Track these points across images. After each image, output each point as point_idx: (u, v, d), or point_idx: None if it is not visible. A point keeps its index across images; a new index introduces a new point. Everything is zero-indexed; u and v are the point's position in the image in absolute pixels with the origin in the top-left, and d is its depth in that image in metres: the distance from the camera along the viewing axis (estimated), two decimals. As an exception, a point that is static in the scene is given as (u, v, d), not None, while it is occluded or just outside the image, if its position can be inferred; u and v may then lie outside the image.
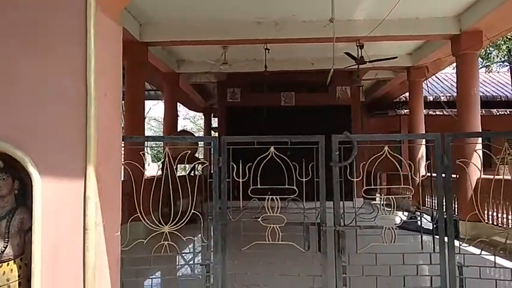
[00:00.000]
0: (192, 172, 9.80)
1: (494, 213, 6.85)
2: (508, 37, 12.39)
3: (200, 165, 9.41)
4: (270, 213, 3.47)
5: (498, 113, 14.64)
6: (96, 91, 2.39)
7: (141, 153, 3.50)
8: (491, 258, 3.86)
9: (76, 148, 2.34)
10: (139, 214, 3.30)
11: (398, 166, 3.46)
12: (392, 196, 3.59)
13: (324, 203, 3.43)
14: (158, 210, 3.57)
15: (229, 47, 9.32)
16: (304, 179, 3.43)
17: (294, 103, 13.04)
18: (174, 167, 3.63)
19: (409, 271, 3.48)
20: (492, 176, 3.54)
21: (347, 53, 8.66)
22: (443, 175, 3.39)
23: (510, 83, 14.42)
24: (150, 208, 3.39)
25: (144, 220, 3.41)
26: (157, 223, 3.42)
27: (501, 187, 3.44)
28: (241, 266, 3.60)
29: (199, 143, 8.91)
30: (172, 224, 3.40)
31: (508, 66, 14.31)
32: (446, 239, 3.39)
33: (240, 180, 3.44)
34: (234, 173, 3.43)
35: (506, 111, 14.59)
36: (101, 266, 2.43)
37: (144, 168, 3.88)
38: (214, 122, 19.96)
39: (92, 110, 2.39)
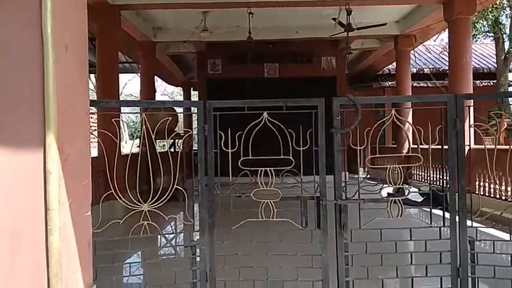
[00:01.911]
0: (173, 148, 9.32)
1: (486, 185, 6.73)
2: (495, 5, 12.12)
3: (181, 140, 8.91)
4: (263, 187, 3.08)
5: (482, 85, 14.57)
6: (54, 43, 1.95)
7: (114, 120, 3.02)
8: (496, 232, 3.63)
9: (32, 112, 1.92)
10: (113, 192, 2.87)
11: (405, 132, 3.09)
12: (397, 166, 3.24)
13: (323, 174, 3.06)
14: (136, 188, 3.14)
15: (210, 12, 8.71)
16: (301, 148, 3.04)
17: (278, 74, 12.61)
18: (153, 141, 3.18)
19: (416, 247, 3.21)
20: (483, 146, 3.24)
21: (334, 19, 8.22)
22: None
23: (494, 54, 14.27)
24: (126, 185, 2.96)
25: (120, 199, 2.98)
26: (135, 201, 3.00)
27: (488, 157, 3.19)
28: (232, 247, 3.23)
29: (180, 113, 8.38)
30: (152, 201, 2.98)
31: (493, 37, 14.13)
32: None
33: (229, 151, 3.03)
34: (222, 143, 3.00)
35: (489, 82, 14.53)
36: (68, 251, 2.07)
37: (118, 139, 3.40)
38: (194, 97, 19.33)
39: (50, 65, 1.96)
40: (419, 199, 7.41)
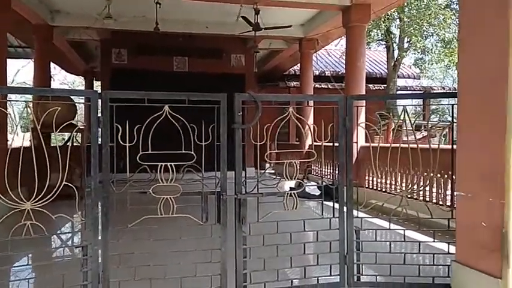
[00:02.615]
0: (70, 143, 8.61)
1: (376, 179, 7.41)
2: (387, 16, 13.39)
3: (80, 134, 8.28)
4: (163, 183, 3.01)
5: (374, 88, 16.03)
6: None
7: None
8: (379, 221, 4.03)
9: None
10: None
11: (302, 129, 3.26)
12: (288, 161, 3.40)
13: (225, 168, 3.09)
14: (18, 187, 2.84)
15: (114, -2, 8.22)
16: (203, 143, 3.03)
17: (188, 69, 12.39)
18: (40, 134, 2.90)
19: (309, 238, 3.41)
20: (376, 144, 3.61)
21: (244, 17, 8.35)
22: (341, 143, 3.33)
23: (385, 61, 15.78)
24: (6, 182, 2.66)
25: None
26: (17, 200, 2.71)
27: (382, 154, 3.58)
28: (128, 245, 3.11)
29: (78, 103, 7.77)
30: (36, 199, 2.72)
31: (385, 45, 15.60)
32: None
33: (127, 144, 2.89)
34: (119, 136, 2.86)
35: (381, 86, 16.04)
36: None
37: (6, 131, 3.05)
38: (98, 88, 18.14)
39: None
40: (318, 192, 7.91)
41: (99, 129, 2.89)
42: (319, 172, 10.69)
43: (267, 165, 8.93)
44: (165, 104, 3.01)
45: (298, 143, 11.95)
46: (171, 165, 2.96)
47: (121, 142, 2.87)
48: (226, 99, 3.03)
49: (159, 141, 3.09)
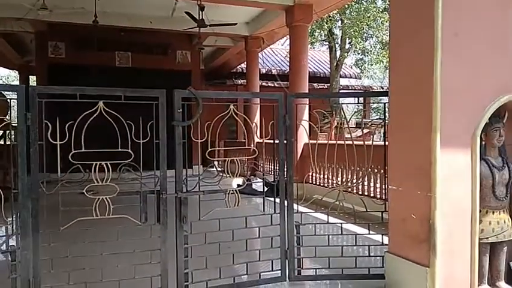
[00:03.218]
0: (2, 141, 8.00)
1: (317, 175, 7.62)
2: (330, 17, 13.81)
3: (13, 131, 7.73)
4: (98, 182, 2.88)
5: (319, 87, 16.49)
6: None
7: None
8: (321, 216, 4.14)
9: None
10: None
11: (244, 128, 3.27)
12: (236, 158, 3.41)
13: (164, 167, 3.03)
14: None
15: (49, -12, 7.76)
16: (141, 141, 2.93)
17: (131, 64, 12.00)
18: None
19: (251, 234, 3.43)
20: (315, 141, 3.72)
21: (187, 13, 8.23)
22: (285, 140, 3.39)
23: (328, 60, 16.28)
24: None
25: None
26: None
27: (322, 151, 3.71)
28: (61, 249, 2.95)
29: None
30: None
31: (328, 46, 16.09)
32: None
33: (58, 143, 2.73)
34: (49, 134, 2.69)
35: (324, 85, 16.52)
36: None
37: None
38: (34, 83, 17.01)
39: None
40: (265, 189, 8.00)
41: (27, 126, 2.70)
42: (264, 169, 10.84)
43: (216, 163, 8.90)
44: (102, 100, 2.89)
45: (244, 140, 12.02)
46: (106, 164, 2.85)
47: (51, 140, 2.71)
48: (165, 96, 2.96)
49: (95, 139, 2.96)
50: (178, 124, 3.07)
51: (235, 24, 9.29)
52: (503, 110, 3.05)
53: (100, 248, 3.02)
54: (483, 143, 3.03)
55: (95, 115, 2.83)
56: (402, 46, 3.19)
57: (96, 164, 2.85)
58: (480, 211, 2.97)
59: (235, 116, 3.25)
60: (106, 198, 2.92)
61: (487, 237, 3.00)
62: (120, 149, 2.91)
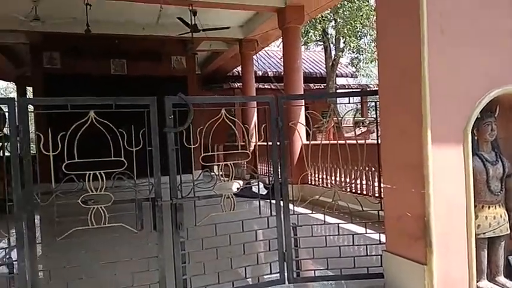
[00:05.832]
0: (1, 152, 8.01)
1: (316, 176, 7.62)
2: (323, 17, 13.84)
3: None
4: (92, 191, 2.88)
5: (315, 87, 16.51)
6: None
7: None
8: (318, 216, 4.14)
9: None
10: None
11: (236, 132, 3.29)
12: (231, 162, 3.41)
13: (158, 173, 3.03)
14: None
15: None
16: (134, 149, 2.94)
17: (126, 72, 11.99)
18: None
19: (248, 238, 3.42)
20: (312, 142, 3.72)
21: (180, 19, 8.24)
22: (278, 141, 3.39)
23: (324, 60, 16.31)
24: None
25: None
26: None
27: (320, 152, 3.70)
28: (58, 259, 2.95)
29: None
30: None
31: (322, 46, 16.12)
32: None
33: (50, 154, 2.74)
34: (41, 145, 2.70)
35: (321, 85, 16.54)
36: None
37: None
38: (30, 95, 17.02)
39: None
40: (265, 192, 8.00)
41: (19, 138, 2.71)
42: (262, 172, 10.83)
43: (215, 167, 8.87)
44: (94, 109, 2.89)
45: (243, 143, 12.02)
46: (100, 173, 2.85)
47: (44, 152, 2.72)
48: (156, 103, 2.97)
49: (88, 148, 2.96)
50: (169, 131, 3.07)
51: (229, 28, 9.31)
52: (494, 104, 3.05)
53: (97, 257, 3.02)
54: (475, 138, 3.03)
55: (86, 125, 2.83)
56: (388, 40, 3.18)
57: (90, 174, 2.85)
58: (476, 206, 2.96)
59: (227, 121, 3.25)
60: (101, 207, 2.92)
61: (484, 233, 2.99)
62: (113, 158, 2.91)
